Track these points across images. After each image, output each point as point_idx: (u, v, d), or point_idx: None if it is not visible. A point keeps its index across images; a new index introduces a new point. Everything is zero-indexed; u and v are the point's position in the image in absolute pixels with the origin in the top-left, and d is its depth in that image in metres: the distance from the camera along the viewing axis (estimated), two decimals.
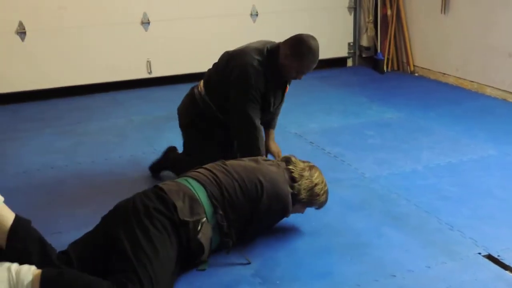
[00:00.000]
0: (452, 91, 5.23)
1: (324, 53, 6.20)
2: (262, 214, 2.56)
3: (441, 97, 5.04)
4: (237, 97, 3.03)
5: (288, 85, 3.34)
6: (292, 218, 2.87)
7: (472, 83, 5.22)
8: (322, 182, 2.75)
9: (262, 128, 3.12)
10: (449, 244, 2.64)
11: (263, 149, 3.09)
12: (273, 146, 3.34)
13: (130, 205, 2.30)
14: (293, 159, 2.78)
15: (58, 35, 5.11)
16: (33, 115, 4.78)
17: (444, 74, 5.54)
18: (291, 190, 2.64)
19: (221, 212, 2.44)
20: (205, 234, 2.37)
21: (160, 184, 2.45)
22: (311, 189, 2.69)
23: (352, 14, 6.18)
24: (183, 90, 5.37)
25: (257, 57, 3.06)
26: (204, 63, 5.60)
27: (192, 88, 3.33)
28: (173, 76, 5.58)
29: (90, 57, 5.22)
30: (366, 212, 2.96)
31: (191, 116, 3.27)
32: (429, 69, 5.74)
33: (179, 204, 2.32)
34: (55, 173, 3.56)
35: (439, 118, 4.43)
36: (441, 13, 5.42)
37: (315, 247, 2.64)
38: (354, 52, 6.31)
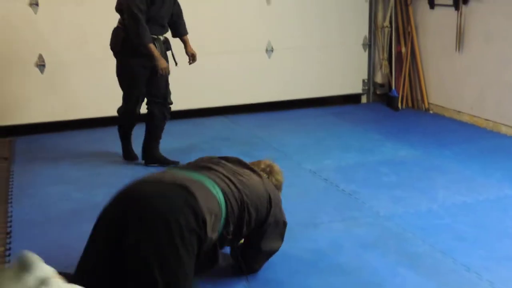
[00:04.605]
0: (467, 130, 5.22)
1: (339, 89, 6.32)
2: (269, 226, 2.58)
3: (456, 135, 5.03)
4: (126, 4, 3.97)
5: None
6: (305, 255, 2.87)
7: (487, 121, 5.21)
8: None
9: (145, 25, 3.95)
10: (466, 286, 2.60)
11: (145, 38, 3.95)
12: (191, 49, 4.41)
13: (160, 221, 2.17)
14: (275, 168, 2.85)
15: (76, 68, 5.21)
16: (49, 146, 4.84)
17: (459, 112, 5.54)
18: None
19: (231, 229, 2.40)
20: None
21: (191, 188, 2.28)
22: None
23: (367, 51, 6.24)
24: (199, 123, 5.53)
25: None
26: (220, 98, 5.75)
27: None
28: (188, 110, 5.63)
29: (107, 90, 5.26)
30: (381, 251, 2.94)
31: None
32: (443, 107, 5.75)
33: (208, 219, 2.24)
34: (71, 205, 3.58)
35: (454, 157, 4.41)
36: (456, 51, 5.45)
37: (329, 285, 2.62)
38: (369, 89, 6.34)
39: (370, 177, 4.00)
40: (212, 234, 2.27)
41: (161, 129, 4.31)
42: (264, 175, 2.70)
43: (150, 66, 4.06)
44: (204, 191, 2.33)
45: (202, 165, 2.57)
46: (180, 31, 4.39)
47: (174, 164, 4.21)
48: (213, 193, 2.36)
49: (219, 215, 2.33)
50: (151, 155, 4.30)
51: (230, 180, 2.48)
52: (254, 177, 2.60)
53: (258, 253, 2.65)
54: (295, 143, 4.81)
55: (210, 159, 2.66)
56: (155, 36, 4.11)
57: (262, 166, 2.80)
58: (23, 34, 5.00)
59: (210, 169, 2.53)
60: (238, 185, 2.47)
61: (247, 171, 2.61)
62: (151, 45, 4.00)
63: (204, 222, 2.22)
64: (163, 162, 4.25)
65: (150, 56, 4.01)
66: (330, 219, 3.33)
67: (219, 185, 2.41)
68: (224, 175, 2.49)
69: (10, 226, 3.27)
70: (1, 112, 5.04)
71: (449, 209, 3.44)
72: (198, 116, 5.67)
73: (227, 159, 2.68)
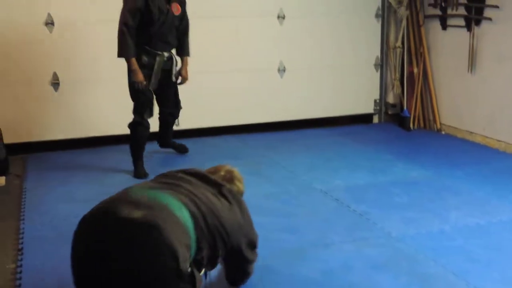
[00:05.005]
0: (479, 150, 5.19)
1: (350, 109, 6.32)
2: (245, 245, 2.53)
3: (468, 156, 5.00)
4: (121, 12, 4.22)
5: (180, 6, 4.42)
6: (315, 275, 2.85)
7: (500, 142, 5.18)
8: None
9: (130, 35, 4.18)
10: None
11: (124, 52, 4.21)
12: (184, 72, 4.59)
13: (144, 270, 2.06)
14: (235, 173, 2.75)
15: (90, 87, 5.26)
16: (62, 163, 4.87)
17: (472, 132, 5.51)
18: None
19: (205, 253, 2.30)
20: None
21: (159, 221, 2.12)
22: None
23: (379, 71, 6.25)
24: (208, 142, 5.54)
25: None
26: (231, 117, 5.77)
27: None
28: (200, 129, 5.66)
29: (120, 108, 5.29)
30: (392, 272, 2.91)
31: None
32: (456, 127, 5.73)
33: (180, 253, 2.11)
34: None
35: (466, 178, 4.38)
36: (468, 72, 5.45)
37: None
38: (380, 109, 6.34)
39: (381, 198, 3.98)
40: (184, 265, 2.14)
41: (172, 124, 4.88)
42: (227, 186, 2.55)
43: (148, 75, 4.34)
44: (172, 220, 2.17)
45: (167, 182, 2.43)
46: (181, 51, 4.58)
47: (184, 149, 5.01)
48: (180, 219, 2.20)
49: (189, 243, 2.19)
50: (166, 142, 5.00)
51: (199, 198, 2.34)
52: (217, 195, 2.46)
53: (244, 272, 2.64)
54: (306, 162, 4.81)
55: (173, 175, 2.53)
56: (159, 52, 4.34)
57: (222, 173, 2.67)
58: (38, 53, 5.06)
59: (176, 186, 2.38)
60: (208, 204, 2.34)
61: (211, 188, 2.47)
62: (132, 60, 4.22)
63: (177, 257, 2.09)
64: (175, 147, 5.03)
65: (128, 69, 4.28)
66: (341, 239, 3.31)
67: (187, 206, 2.27)
68: (191, 192, 2.35)
69: (22, 243, 3.28)
70: (15, 130, 5.08)
71: (461, 231, 3.41)
72: (207, 135, 5.68)
73: (189, 173, 2.54)
